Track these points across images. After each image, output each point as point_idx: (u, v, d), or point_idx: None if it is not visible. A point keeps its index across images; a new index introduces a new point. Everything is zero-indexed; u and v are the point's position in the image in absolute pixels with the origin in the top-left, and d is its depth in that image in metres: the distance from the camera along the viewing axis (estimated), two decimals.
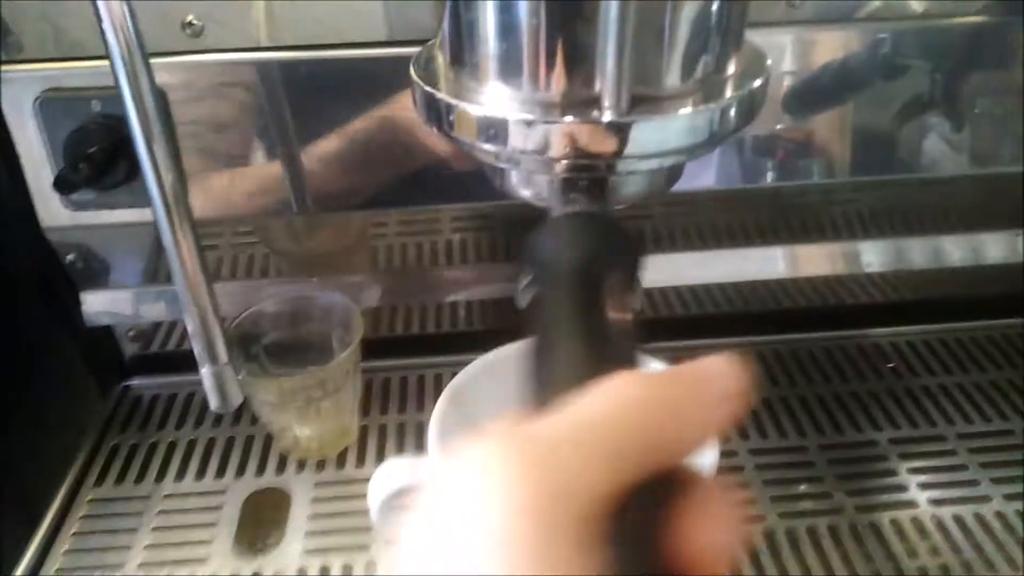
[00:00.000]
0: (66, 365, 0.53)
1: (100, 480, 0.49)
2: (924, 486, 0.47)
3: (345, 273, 0.55)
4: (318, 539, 0.45)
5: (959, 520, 0.45)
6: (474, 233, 0.56)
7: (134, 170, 0.44)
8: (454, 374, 0.55)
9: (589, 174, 0.29)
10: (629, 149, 0.28)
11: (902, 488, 0.47)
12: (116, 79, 0.33)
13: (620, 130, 0.27)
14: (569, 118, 0.27)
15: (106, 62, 0.43)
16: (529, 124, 0.28)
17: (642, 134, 0.28)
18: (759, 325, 0.60)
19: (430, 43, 0.35)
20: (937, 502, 0.46)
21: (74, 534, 0.46)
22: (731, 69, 0.30)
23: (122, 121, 0.42)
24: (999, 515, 0.45)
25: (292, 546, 0.45)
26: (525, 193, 0.34)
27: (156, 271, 0.52)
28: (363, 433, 0.52)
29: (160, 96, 0.34)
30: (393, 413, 0.53)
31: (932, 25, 0.46)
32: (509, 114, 0.28)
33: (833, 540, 0.44)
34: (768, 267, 0.57)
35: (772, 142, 0.48)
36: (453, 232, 0.55)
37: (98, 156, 0.42)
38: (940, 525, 0.45)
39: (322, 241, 0.55)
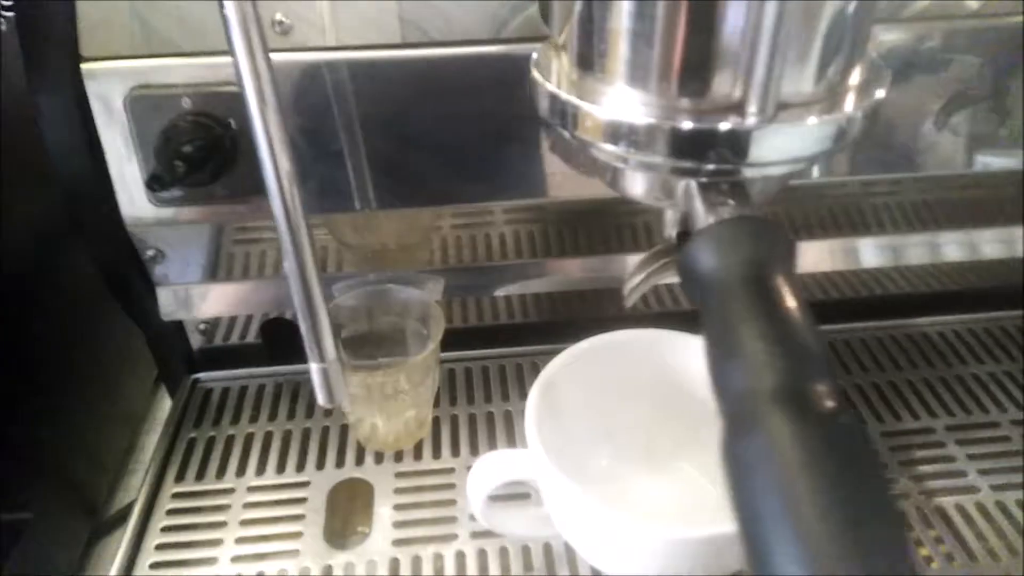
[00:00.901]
0: (137, 357, 0.53)
1: (181, 475, 0.50)
2: (983, 472, 0.49)
3: (409, 267, 0.56)
4: (406, 530, 0.46)
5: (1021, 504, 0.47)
6: (526, 226, 0.56)
7: (222, 168, 0.44)
8: (519, 365, 0.57)
9: (730, 178, 0.30)
10: (772, 154, 0.29)
11: (962, 474, 0.49)
12: (239, 77, 0.33)
13: (767, 135, 0.28)
14: (717, 123, 0.28)
15: (196, 59, 0.44)
16: (674, 129, 0.29)
17: (786, 140, 0.29)
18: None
19: (547, 42, 0.35)
20: (997, 488, 0.48)
21: (163, 528, 0.46)
22: (856, 78, 0.31)
23: (215, 118, 0.44)
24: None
25: (380, 537, 0.46)
26: (637, 191, 0.35)
27: (231, 266, 0.53)
28: (435, 424, 0.53)
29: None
30: (463, 404, 0.54)
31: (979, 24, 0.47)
32: (655, 119, 0.29)
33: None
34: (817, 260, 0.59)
35: None
36: (506, 224, 0.56)
37: (193, 154, 0.42)
38: (1003, 509, 0.47)
39: (387, 236, 0.55)
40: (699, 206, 0.30)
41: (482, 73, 0.45)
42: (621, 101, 0.31)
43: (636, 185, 0.34)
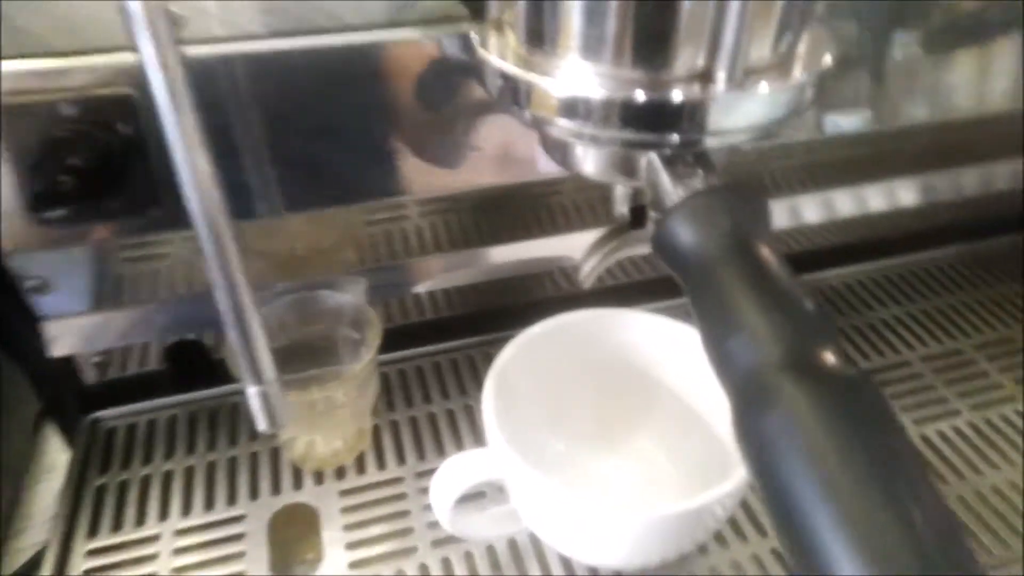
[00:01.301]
0: (11, 399, 0.47)
1: (93, 529, 0.44)
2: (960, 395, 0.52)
3: (327, 272, 0.52)
4: (361, 551, 0.43)
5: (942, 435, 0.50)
6: (443, 216, 0.54)
7: (115, 179, 0.39)
8: (453, 361, 0.55)
9: (693, 148, 0.29)
10: (739, 122, 0.28)
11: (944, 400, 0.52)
12: (147, 73, 0.29)
13: (736, 103, 0.28)
14: (684, 93, 0.27)
15: (74, 60, 0.38)
16: (637, 101, 0.28)
17: (753, 107, 0.28)
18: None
19: (487, 21, 0.33)
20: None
21: None
22: (806, 43, 0.31)
23: (102, 125, 0.38)
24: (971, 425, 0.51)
25: (334, 563, 0.42)
26: (593, 169, 0.33)
27: (126, 289, 0.47)
28: (375, 434, 0.50)
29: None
30: (401, 408, 0.51)
31: None
32: (616, 91, 0.28)
33: None
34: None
35: None
36: (421, 218, 0.54)
37: (80, 166, 0.37)
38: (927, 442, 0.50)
39: (300, 241, 0.51)
40: (665, 180, 0.29)
41: (386, 61, 0.42)
42: (577, 75, 0.29)
43: (592, 162, 0.33)
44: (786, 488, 0.22)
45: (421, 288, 0.55)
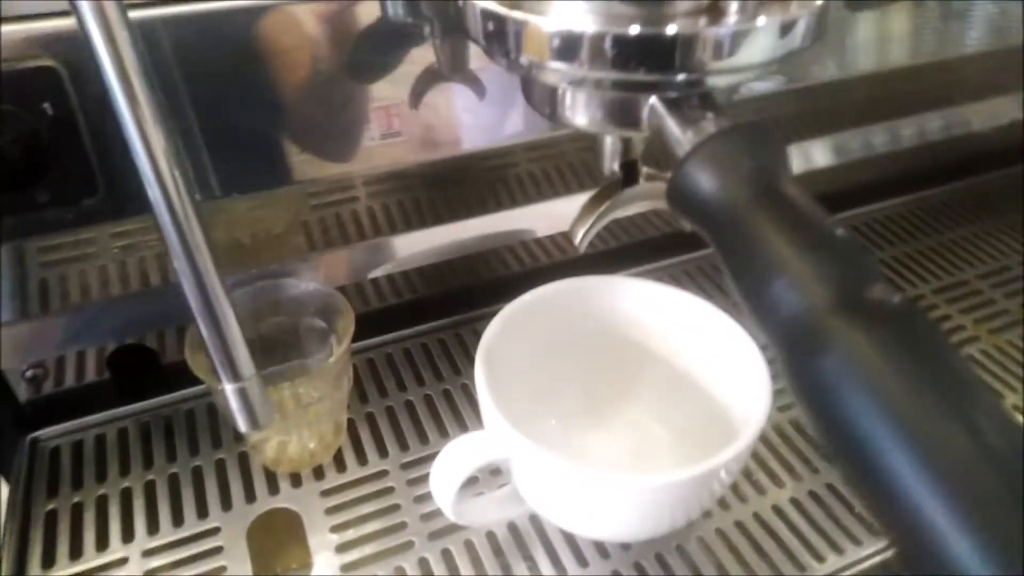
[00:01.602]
0: None
1: (48, 559, 0.39)
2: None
3: (280, 260, 0.49)
4: (353, 552, 0.40)
5: None
6: (395, 196, 0.51)
7: (42, 167, 0.35)
8: (423, 345, 0.53)
9: (697, 89, 0.28)
10: (750, 57, 0.27)
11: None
12: (89, 39, 0.25)
13: (748, 37, 0.26)
14: (693, 27, 0.26)
15: None
16: (640, 37, 0.26)
17: (764, 41, 0.27)
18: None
19: None
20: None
21: None
22: None
23: (23, 105, 0.34)
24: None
25: (325, 568, 0.39)
26: (585, 119, 0.31)
27: (57, 293, 0.42)
28: (350, 428, 0.47)
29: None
30: (375, 398, 0.48)
31: None
32: (616, 26, 0.26)
33: None
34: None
35: None
36: (371, 198, 0.51)
37: (9, 151, 0.32)
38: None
39: (247, 227, 0.48)
40: (673, 126, 0.28)
41: (326, 23, 0.38)
42: (570, 12, 0.27)
43: (585, 111, 0.31)
44: (855, 431, 0.21)
45: (380, 272, 0.52)
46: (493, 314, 0.54)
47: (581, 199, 0.56)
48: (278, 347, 0.45)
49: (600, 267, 0.44)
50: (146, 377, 0.48)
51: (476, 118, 0.46)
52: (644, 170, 0.34)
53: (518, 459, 0.35)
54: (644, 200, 0.34)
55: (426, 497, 0.42)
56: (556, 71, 0.28)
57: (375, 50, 0.42)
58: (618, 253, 0.58)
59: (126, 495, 0.43)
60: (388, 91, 0.42)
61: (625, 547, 0.40)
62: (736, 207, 0.25)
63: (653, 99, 0.28)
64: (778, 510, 0.42)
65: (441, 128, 0.45)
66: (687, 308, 0.42)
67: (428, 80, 0.47)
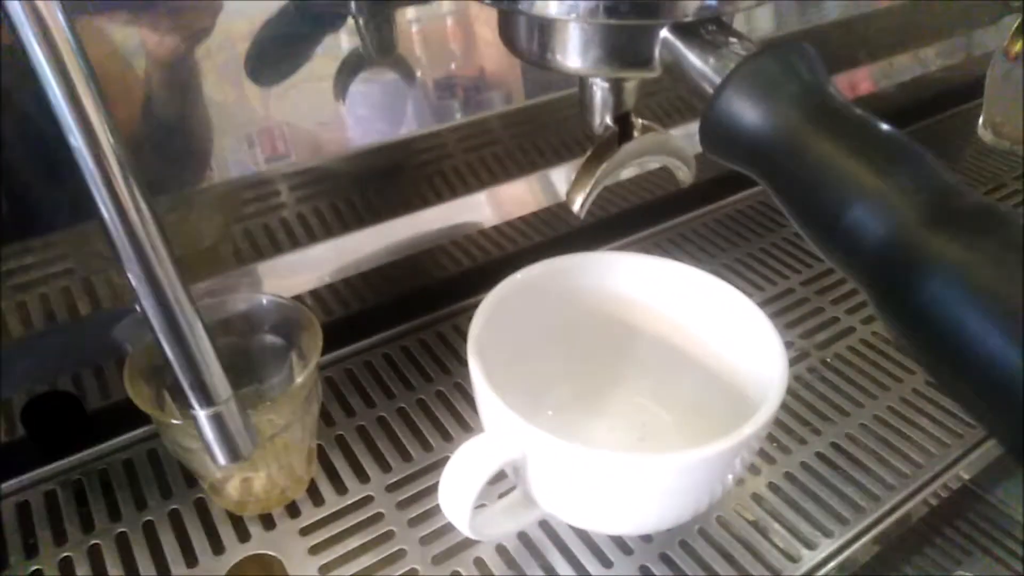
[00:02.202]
0: None
1: None
2: (849, 312, 0.52)
3: (214, 275, 0.43)
4: None
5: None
6: (323, 200, 0.47)
7: None
8: (386, 355, 0.48)
9: (708, 13, 0.25)
10: None
11: (835, 320, 0.52)
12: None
13: None
14: None
15: None
16: None
17: None
18: None
19: None
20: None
21: None
22: None
23: None
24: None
25: None
26: (584, 61, 0.28)
27: None
28: (320, 454, 0.41)
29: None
30: (341, 418, 0.44)
31: None
32: None
33: None
34: None
35: None
36: (299, 203, 0.46)
37: None
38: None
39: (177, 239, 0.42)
40: (692, 57, 0.25)
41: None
42: None
43: (584, 51, 0.27)
44: (980, 352, 0.18)
45: (329, 278, 0.47)
46: (456, 314, 0.51)
47: (522, 184, 0.55)
48: (228, 373, 0.40)
49: (576, 246, 0.42)
50: (70, 429, 0.41)
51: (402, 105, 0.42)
52: (639, 122, 0.31)
53: (536, 457, 0.32)
54: (644, 156, 0.32)
55: (421, 519, 0.38)
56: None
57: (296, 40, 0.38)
58: (594, 229, 0.56)
59: (66, 565, 0.36)
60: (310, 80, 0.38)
61: (647, 539, 0.38)
62: (790, 133, 0.22)
63: (665, 31, 0.26)
64: (791, 476, 0.41)
65: (367, 116, 0.41)
66: (679, 278, 0.39)
67: (353, 67, 0.44)
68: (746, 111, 0.23)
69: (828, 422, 0.44)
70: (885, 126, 0.22)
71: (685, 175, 0.33)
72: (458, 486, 0.31)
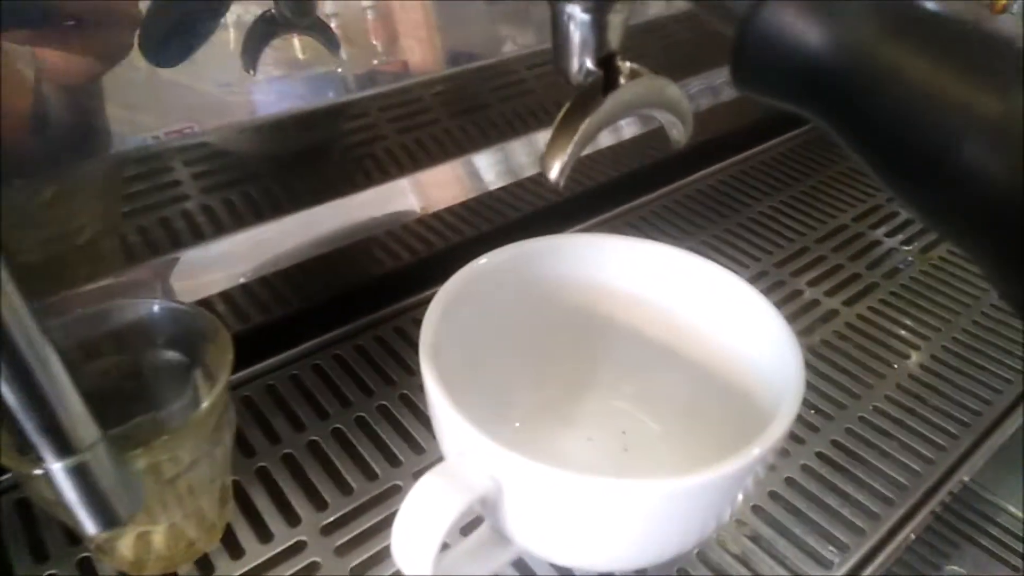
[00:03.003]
0: None
1: None
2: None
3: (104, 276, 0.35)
4: None
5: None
6: (236, 189, 0.39)
7: None
8: (316, 368, 0.41)
9: None
10: None
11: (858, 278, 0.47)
12: None
13: None
14: None
15: None
16: None
17: None
18: None
19: None
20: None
21: None
22: None
23: None
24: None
25: None
26: None
27: None
28: (237, 491, 0.34)
29: None
30: (263, 445, 0.36)
31: None
32: None
33: None
34: None
35: None
36: (203, 194, 0.38)
37: None
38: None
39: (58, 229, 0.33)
40: None
41: None
42: None
43: None
44: None
45: (243, 278, 0.39)
46: (397, 315, 0.44)
47: (464, 162, 0.48)
48: (115, 400, 0.32)
49: (536, 231, 0.35)
50: None
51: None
52: (627, 66, 0.25)
53: (513, 488, 0.25)
54: (635, 108, 0.26)
55: (367, 566, 0.31)
56: None
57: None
58: (552, 211, 0.50)
59: None
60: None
61: (639, 572, 0.32)
62: (865, 50, 0.16)
63: None
64: (792, 483, 0.36)
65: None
66: (664, 262, 0.34)
67: (265, 33, 0.36)
68: (796, 29, 0.17)
69: (825, 417, 0.39)
70: (989, 31, 0.16)
71: (680, 134, 0.28)
72: (416, 535, 0.24)
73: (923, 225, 0.50)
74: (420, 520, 0.24)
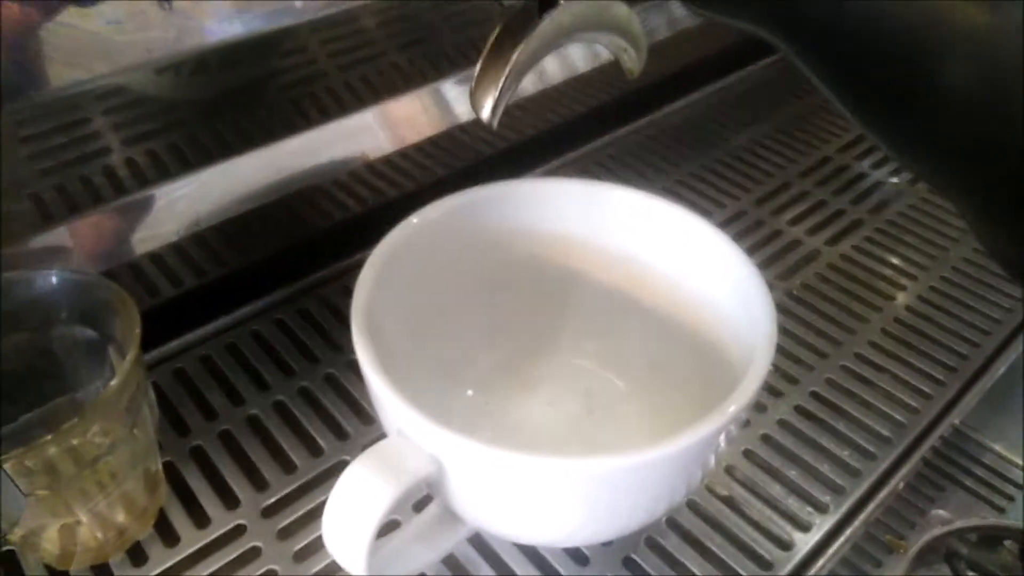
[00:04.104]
0: None
1: None
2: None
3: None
4: None
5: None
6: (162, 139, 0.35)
7: None
8: (255, 334, 0.38)
9: None
10: None
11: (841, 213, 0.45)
12: None
13: None
14: None
15: None
16: None
17: None
18: None
19: None
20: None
21: None
22: None
23: None
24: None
25: None
26: None
27: None
28: (171, 473, 0.31)
29: None
30: (198, 422, 0.33)
31: None
32: None
33: None
34: None
35: None
36: (128, 146, 0.34)
37: None
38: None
39: None
40: None
41: None
42: None
43: None
44: None
45: (173, 236, 0.36)
46: (344, 273, 0.41)
47: (416, 99, 0.44)
48: (25, 382, 0.29)
49: (488, 179, 0.32)
50: None
51: None
52: None
53: (457, 469, 0.23)
54: (575, 34, 0.22)
55: (311, 551, 0.29)
56: None
57: None
58: (504, 157, 0.46)
59: None
60: None
61: (605, 544, 0.30)
62: None
63: None
64: (768, 439, 0.33)
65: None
66: (625, 208, 0.30)
67: None
68: None
69: (804, 367, 0.37)
70: None
71: (633, 61, 0.24)
72: (347, 524, 0.22)
73: (898, 163, 0.47)
74: (350, 511, 0.22)
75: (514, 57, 0.22)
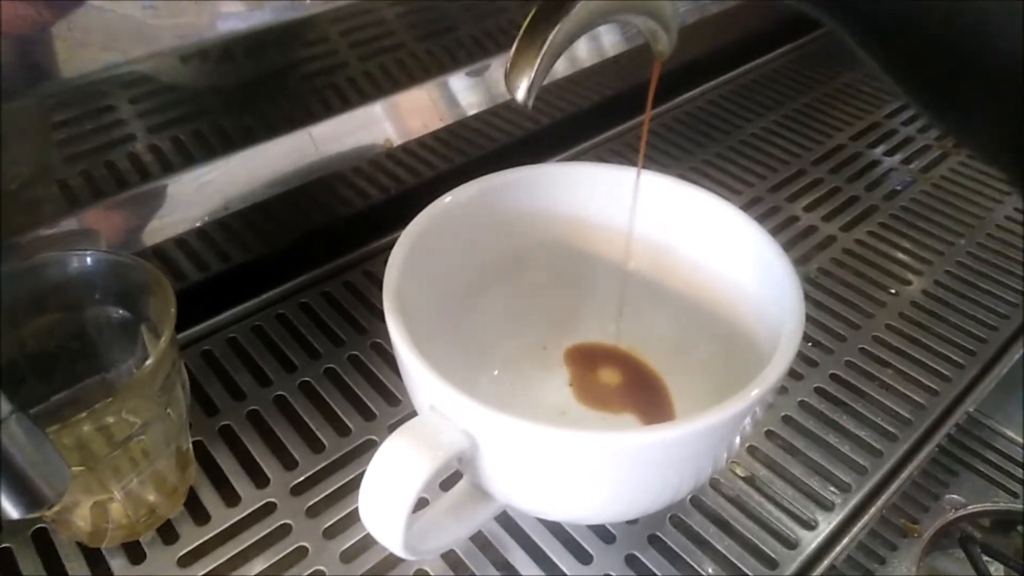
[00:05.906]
0: None
1: None
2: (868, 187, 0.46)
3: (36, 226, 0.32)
4: None
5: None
6: (183, 128, 0.36)
7: None
8: (281, 317, 0.38)
9: None
10: None
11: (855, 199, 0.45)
12: None
13: None
14: None
15: None
16: None
17: None
18: None
19: None
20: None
21: None
22: None
23: None
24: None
25: None
26: None
27: None
28: (200, 453, 0.32)
29: None
30: (227, 402, 0.33)
31: None
32: None
33: None
34: None
35: None
36: (151, 133, 0.35)
37: None
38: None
39: None
40: None
41: None
42: None
43: None
44: None
45: (197, 222, 0.36)
46: (367, 258, 0.41)
47: (433, 89, 0.44)
48: (58, 362, 0.29)
49: (515, 161, 0.32)
50: None
51: None
52: None
53: (489, 444, 0.23)
54: (611, 15, 0.22)
55: (341, 528, 0.29)
56: None
57: None
58: (527, 143, 0.46)
59: None
60: None
61: (631, 522, 0.30)
62: None
63: None
64: (790, 420, 0.34)
65: None
66: (647, 190, 0.31)
67: None
68: None
69: (824, 350, 0.37)
70: None
71: (664, 45, 0.24)
72: (384, 499, 0.22)
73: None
74: (387, 486, 0.22)
75: (549, 38, 0.22)
